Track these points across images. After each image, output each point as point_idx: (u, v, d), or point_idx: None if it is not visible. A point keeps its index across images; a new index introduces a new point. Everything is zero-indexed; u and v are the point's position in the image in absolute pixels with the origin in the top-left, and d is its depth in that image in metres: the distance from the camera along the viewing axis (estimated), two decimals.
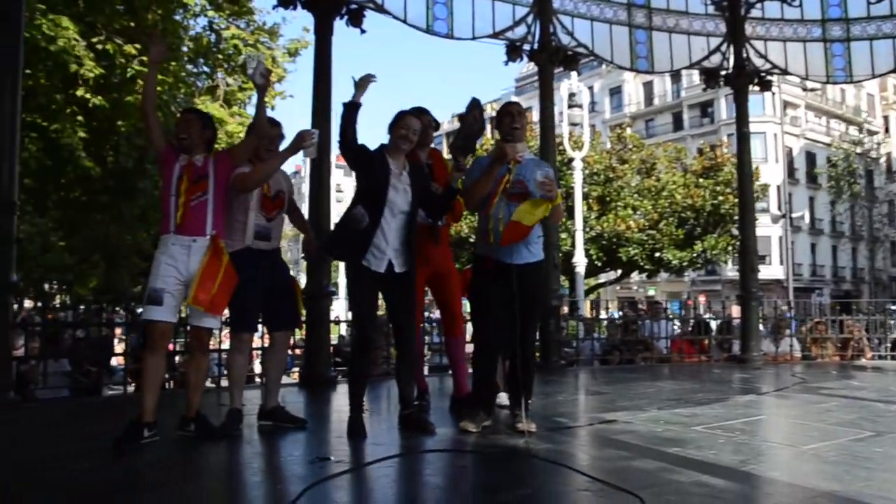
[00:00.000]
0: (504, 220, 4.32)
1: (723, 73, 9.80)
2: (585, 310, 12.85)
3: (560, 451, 3.94)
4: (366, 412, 4.38)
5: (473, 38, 8.18)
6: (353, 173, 4.43)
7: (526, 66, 51.21)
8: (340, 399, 6.09)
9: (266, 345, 5.73)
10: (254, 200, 4.39)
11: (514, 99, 54.95)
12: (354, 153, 4.31)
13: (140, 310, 7.32)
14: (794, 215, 36.38)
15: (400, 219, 4.30)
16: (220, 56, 13.83)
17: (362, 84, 4.37)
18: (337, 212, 5.89)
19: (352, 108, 4.29)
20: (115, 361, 9.35)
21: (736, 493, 3.15)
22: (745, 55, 9.64)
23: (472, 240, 23.82)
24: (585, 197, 21.37)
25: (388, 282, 4.32)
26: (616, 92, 49.05)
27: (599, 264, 23.79)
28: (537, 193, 4.31)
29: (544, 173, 4.42)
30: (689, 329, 10.80)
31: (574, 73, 15.73)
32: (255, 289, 4.37)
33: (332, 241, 4.58)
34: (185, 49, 13.72)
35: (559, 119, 12.76)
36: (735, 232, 22.81)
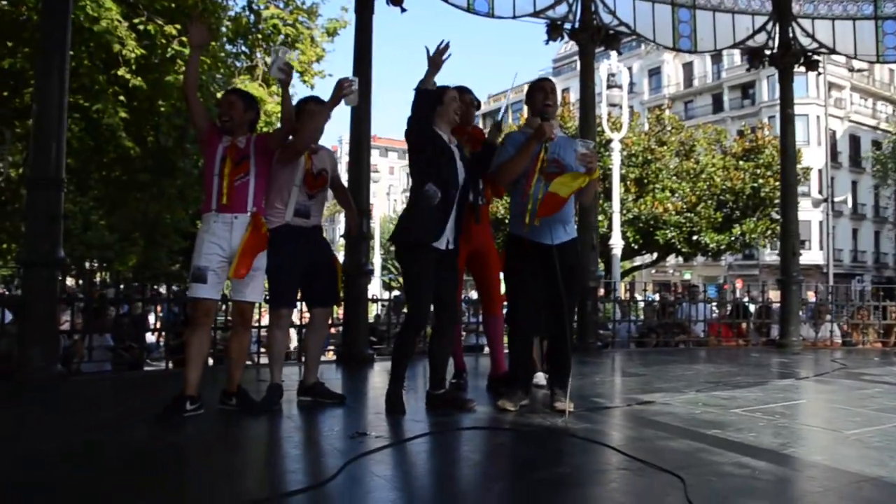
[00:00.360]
0: (541, 200, 4.28)
1: (767, 52, 9.60)
2: (621, 292, 12.78)
3: (598, 430, 3.94)
4: (404, 390, 4.41)
5: (514, 17, 8.11)
6: (408, 153, 4.43)
7: (564, 47, 50.77)
8: (377, 376, 6.18)
9: (305, 322, 5.81)
10: (298, 176, 4.42)
11: (553, 80, 54.51)
12: (425, 134, 4.29)
13: (176, 287, 7.49)
14: (836, 199, 35.69)
15: (456, 195, 4.32)
16: (259, 36, 13.88)
17: (437, 63, 4.35)
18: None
19: (426, 96, 4.28)
20: (151, 338, 9.54)
21: (778, 475, 3.12)
22: (791, 34, 9.43)
23: (507, 221, 23.86)
24: (623, 179, 21.18)
25: (442, 259, 4.32)
26: (655, 73, 48.35)
27: (636, 247, 23.62)
28: (578, 167, 4.28)
29: (585, 145, 4.38)
30: (727, 312, 10.69)
31: (614, 54, 15.58)
32: (293, 265, 4.41)
33: (409, 224, 4.33)
34: (223, 29, 13.81)
35: (598, 100, 12.63)
36: (775, 216, 22.47)
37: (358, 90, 4.36)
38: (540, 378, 5.35)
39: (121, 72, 11.74)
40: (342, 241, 5.13)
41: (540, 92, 4.49)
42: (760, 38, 9.57)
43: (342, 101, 4.37)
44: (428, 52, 4.38)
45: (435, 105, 4.34)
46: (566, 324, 4.44)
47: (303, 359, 5.40)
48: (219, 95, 13.50)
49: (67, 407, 4.79)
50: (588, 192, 4.49)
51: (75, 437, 3.78)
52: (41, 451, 3.44)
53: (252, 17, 13.97)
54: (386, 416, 4.21)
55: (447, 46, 4.38)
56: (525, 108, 5.04)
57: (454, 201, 4.29)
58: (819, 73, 9.91)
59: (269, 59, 13.57)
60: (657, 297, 12.24)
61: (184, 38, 12.20)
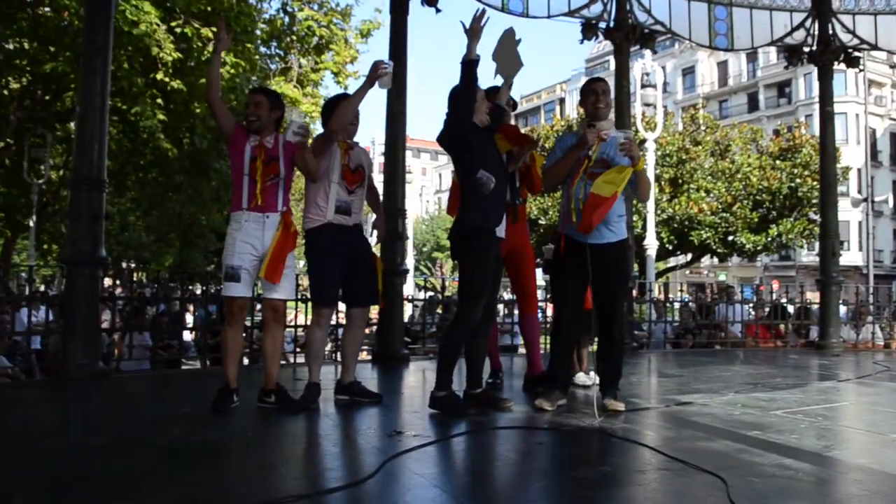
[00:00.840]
0: (583, 200, 4.24)
1: (806, 49, 9.45)
2: (656, 293, 12.67)
3: (636, 430, 3.91)
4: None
5: (549, 17, 8.09)
6: (451, 150, 4.43)
7: (596, 47, 50.47)
8: (412, 376, 6.21)
9: (342, 321, 5.84)
10: (336, 172, 4.44)
11: (585, 80, 54.29)
12: (469, 122, 4.28)
13: (214, 288, 7.58)
14: (876, 199, 35.02)
15: (506, 185, 4.35)
16: (294, 38, 14.02)
17: (475, 31, 4.31)
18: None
19: (472, 66, 4.26)
20: (187, 336, 9.68)
21: (821, 477, 3.08)
22: (830, 30, 9.27)
23: (540, 221, 23.80)
24: (658, 179, 21.01)
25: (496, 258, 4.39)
26: (689, 72, 47.87)
27: (670, 247, 23.39)
28: (622, 160, 4.24)
29: (624, 133, 4.37)
30: (765, 314, 10.54)
31: (648, 53, 15.45)
32: (334, 264, 4.44)
33: (465, 213, 4.30)
34: (258, 32, 13.97)
35: (632, 99, 12.53)
36: (812, 216, 22.11)
37: (392, 74, 4.40)
38: (581, 378, 5.35)
39: (159, 75, 11.93)
40: (374, 240, 5.14)
41: (591, 94, 4.44)
42: (799, 35, 9.42)
43: (376, 84, 4.39)
44: (464, 25, 4.36)
45: (476, 77, 4.34)
46: (611, 325, 4.41)
47: (339, 358, 5.44)
48: None
49: (109, 403, 4.88)
50: (641, 186, 4.43)
51: (118, 431, 3.84)
52: (86, 445, 3.52)
53: (287, 18, 14.12)
54: (425, 416, 4.22)
55: (483, 13, 4.37)
56: (557, 108, 5.04)
57: (505, 190, 4.32)
58: (860, 70, 9.72)
59: (303, 62, 13.72)
60: (690, 298, 12.13)
61: None
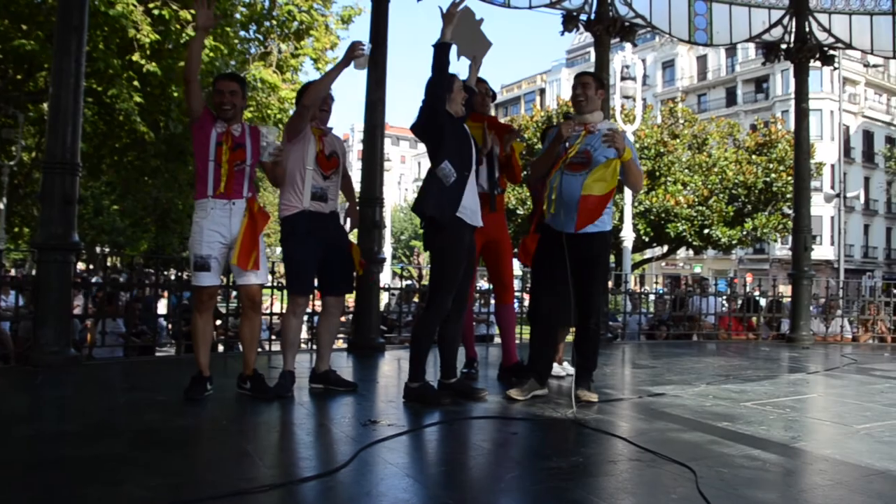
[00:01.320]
0: (558, 189, 4.33)
1: (783, 46, 9.55)
2: (632, 284, 12.77)
3: (609, 421, 3.96)
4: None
5: (530, 7, 8.09)
6: (424, 136, 4.40)
7: (577, 38, 50.61)
8: (388, 364, 6.21)
9: (317, 309, 5.82)
10: (310, 158, 4.42)
11: (565, 71, 54.47)
12: (441, 107, 4.27)
13: (187, 274, 7.51)
14: (848, 195, 35.47)
15: (469, 176, 4.33)
16: (274, 22, 13.90)
17: (450, 15, 4.32)
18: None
19: (444, 50, 4.27)
20: (161, 322, 9.59)
21: (788, 468, 3.14)
22: (807, 28, 9.38)
23: (518, 211, 23.84)
24: None
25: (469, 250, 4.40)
26: (669, 66, 48.14)
27: (647, 239, 23.57)
28: (607, 153, 4.26)
29: (609, 125, 4.42)
30: (738, 306, 10.67)
31: (628, 46, 15.45)
32: (310, 252, 4.43)
33: (431, 202, 4.27)
34: (238, 16, 13.83)
35: (611, 92, 12.57)
36: (787, 210, 22.39)
37: (368, 56, 4.39)
38: (555, 369, 5.38)
39: (135, 57, 11.78)
40: (346, 228, 5.12)
41: (573, 87, 4.58)
42: (776, 32, 9.52)
43: (352, 65, 4.38)
44: (441, 9, 4.36)
45: (448, 93, 4.35)
46: (586, 315, 4.43)
47: (314, 346, 5.43)
48: None
49: (82, 389, 4.83)
50: (630, 176, 4.43)
51: (90, 418, 3.82)
52: (58, 432, 3.50)
53: (267, 2, 13.98)
54: (400, 405, 4.24)
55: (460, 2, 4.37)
56: (537, 98, 5.09)
57: (466, 182, 4.29)
58: (835, 68, 9.84)
59: (283, 47, 13.60)
60: (665, 290, 12.23)
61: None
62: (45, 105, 15.63)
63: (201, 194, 4.22)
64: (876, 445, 3.53)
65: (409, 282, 14.15)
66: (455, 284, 4.29)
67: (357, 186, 5.54)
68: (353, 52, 4.33)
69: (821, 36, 9.50)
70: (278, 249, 4.57)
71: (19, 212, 21.50)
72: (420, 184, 4.61)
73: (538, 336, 4.56)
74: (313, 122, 4.51)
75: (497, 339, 8.10)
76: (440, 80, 4.26)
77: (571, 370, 5.18)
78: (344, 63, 4.39)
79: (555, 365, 5.42)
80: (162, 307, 9.25)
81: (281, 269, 4.92)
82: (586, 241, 4.36)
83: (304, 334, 10.04)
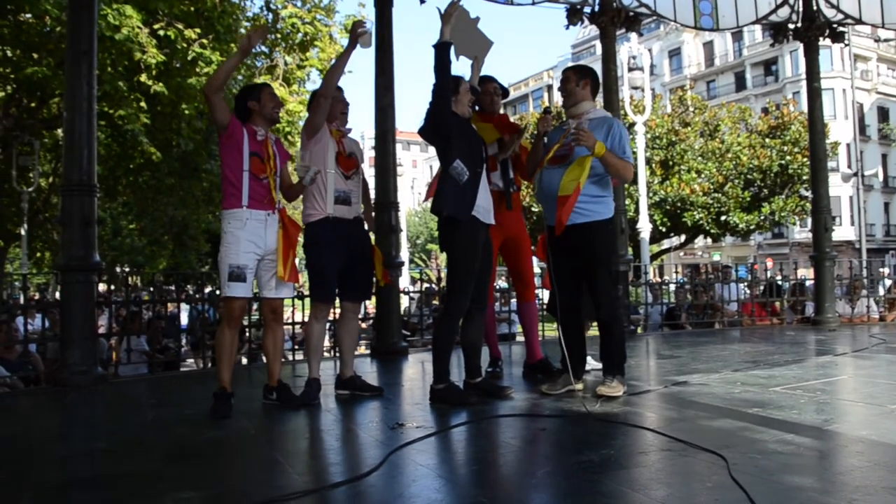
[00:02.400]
0: (539, 184, 4.46)
1: (791, 26, 9.46)
2: (651, 275, 12.70)
3: (638, 413, 3.94)
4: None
5: (533, 3, 8.06)
6: (432, 138, 4.40)
7: (582, 32, 50.47)
8: (412, 368, 6.21)
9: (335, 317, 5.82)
10: (330, 158, 4.44)
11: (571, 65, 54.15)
12: (449, 108, 4.28)
13: (208, 288, 7.57)
14: (866, 174, 35.13)
15: (482, 173, 4.33)
16: (279, 35, 13.96)
17: (448, 15, 4.33)
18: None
19: (445, 50, 4.27)
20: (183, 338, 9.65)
21: (823, 451, 3.10)
22: (815, 6, 9.28)
23: (534, 208, 23.79)
24: (648, 161, 21.04)
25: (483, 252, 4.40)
26: (675, 54, 47.88)
27: (664, 229, 23.43)
28: (582, 151, 4.28)
29: (596, 115, 4.43)
30: (760, 291, 10.58)
31: (634, 36, 15.40)
32: (333, 259, 4.44)
33: (448, 202, 4.26)
34: (242, 31, 13.90)
35: (620, 83, 12.52)
36: (804, 192, 22.18)
37: (371, 33, 4.45)
38: (590, 362, 5.37)
39: (142, 78, 11.86)
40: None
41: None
42: (783, 12, 9.42)
43: (358, 45, 4.39)
44: (440, 10, 4.37)
45: (454, 95, 4.36)
46: (598, 307, 4.40)
47: (336, 353, 5.45)
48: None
49: (111, 407, 4.88)
50: (611, 169, 4.34)
51: (121, 435, 3.85)
52: (91, 450, 3.52)
53: (270, 16, 14.05)
54: (426, 407, 4.24)
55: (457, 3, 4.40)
56: (545, 95, 5.11)
57: (480, 179, 4.29)
58: (845, 45, 9.70)
59: (288, 59, 13.66)
60: (685, 279, 12.17)
61: (204, 41, 12.31)
62: (59, 131, 15.81)
63: (234, 204, 4.15)
64: None
65: (428, 285, 14.15)
66: (471, 283, 4.29)
67: (371, 193, 5.55)
68: (356, 31, 4.36)
69: (829, 13, 9.39)
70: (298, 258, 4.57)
71: (40, 236, 21.74)
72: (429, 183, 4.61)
73: (562, 331, 4.54)
74: (332, 124, 4.53)
75: (520, 338, 8.08)
76: (443, 81, 4.26)
77: (596, 365, 5.16)
78: (351, 45, 4.42)
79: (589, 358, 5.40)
80: (184, 320, 9.32)
81: (300, 278, 4.92)
82: (576, 232, 4.32)
83: (326, 342, 10.09)
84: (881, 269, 13.01)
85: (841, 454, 3.11)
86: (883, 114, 42.53)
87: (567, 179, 4.24)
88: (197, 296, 8.99)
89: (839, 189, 33.65)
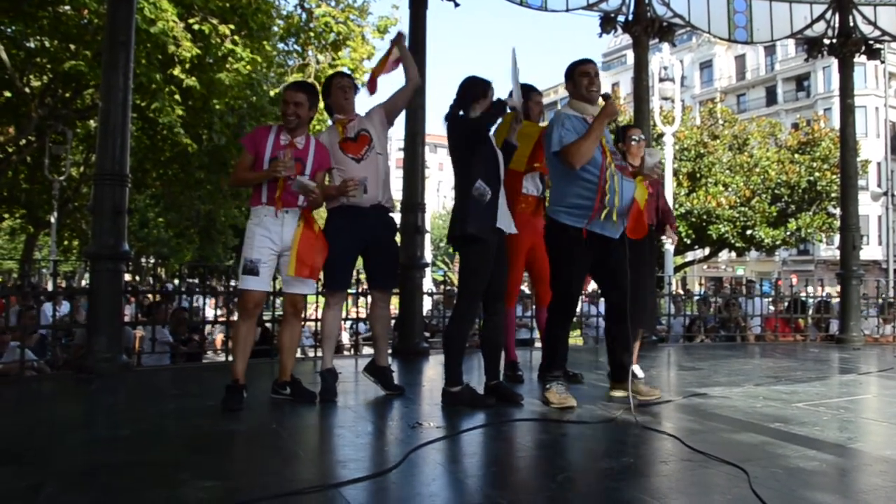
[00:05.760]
0: (620, 193, 4.13)
1: (826, 42, 9.37)
2: (675, 287, 12.62)
3: (658, 422, 3.92)
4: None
5: (567, 10, 8.08)
6: (452, 146, 4.42)
7: (613, 41, 50.28)
8: (432, 369, 6.22)
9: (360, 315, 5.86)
10: (334, 153, 4.52)
11: (602, 74, 54.12)
12: (482, 136, 4.33)
13: (234, 282, 7.62)
14: (895, 193, 34.63)
15: (499, 189, 4.35)
16: (312, 34, 14.07)
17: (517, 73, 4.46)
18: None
19: (501, 109, 4.32)
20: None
21: (846, 469, 3.08)
22: (851, 22, 9.19)
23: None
24: (676, 173, 20.89)
25: (497, 251, 4.39)
26: (706, 66, 47.52)
27: (689, 241, 23.25)
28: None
29: (653, 154, 4.35)
30: (784, 307, 10.48)
31: (665, 47, 15.34)
32: (344, 247, 4.47)
33: (463, 217, 4.25)
34: (275, 28, 14.04)
35: (650, 94, 12.48)
36: (832, 210, 21.91)
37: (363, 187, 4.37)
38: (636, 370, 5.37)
39: (176, 71, 12.01)
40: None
41: (584, 77, 4.32)
42: (819, 27, 9.35)
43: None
44: (514, 62, 4.46)
45: (479, 99, 4.40)
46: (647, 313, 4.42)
47: (358, 349, 5.47)
48: (272, 94, 13.80)
49: (134, 396, 4.94)
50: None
51: (144, 423, 3.89)
52: (115, 436, 3.57)
53: (304, 15, 14.17)
54: (446, 408, 4.25)
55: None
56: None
57: (499, 196, 4.32)
58: (881, 62, 9.61)
59: (321, 58, 13.76)
60: (710, 292, 12.07)
61: (236, 38, 12.44)
62: (92, 122, 16.04)
63: (256, 201, 4.26)
64: None
65: (450, 287, 14.16)
66: (482, 290, 4.32)
67: (398, 195, 5.58)
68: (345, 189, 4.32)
69: (866, 29, 9.30)
70: None
71: (69, 225, 22.04)
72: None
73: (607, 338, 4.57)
74: (336, 116, 4.62)
75: (538, 344, 8.06)
76: (488, 122, 4.33)
77: (639, 373, 5.19)
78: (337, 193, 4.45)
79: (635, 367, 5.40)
80: (210, 315, 9.40)
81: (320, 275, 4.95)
82: (635, 241, 4.35)
83: (346, 339, 10.13)
84: None
85: (864, 473, 3.07)
86: None
87: (640, 192, 4.26)
88: (220, 288, 9.07)
89: (868, 208, 33.21)
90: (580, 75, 4.31)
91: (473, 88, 4.40)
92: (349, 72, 14.66)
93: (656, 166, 4.28)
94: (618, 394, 4.52)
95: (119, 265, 5.65)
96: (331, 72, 14.76)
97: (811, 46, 9.53)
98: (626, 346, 4.49)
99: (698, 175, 22.73)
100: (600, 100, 4.29)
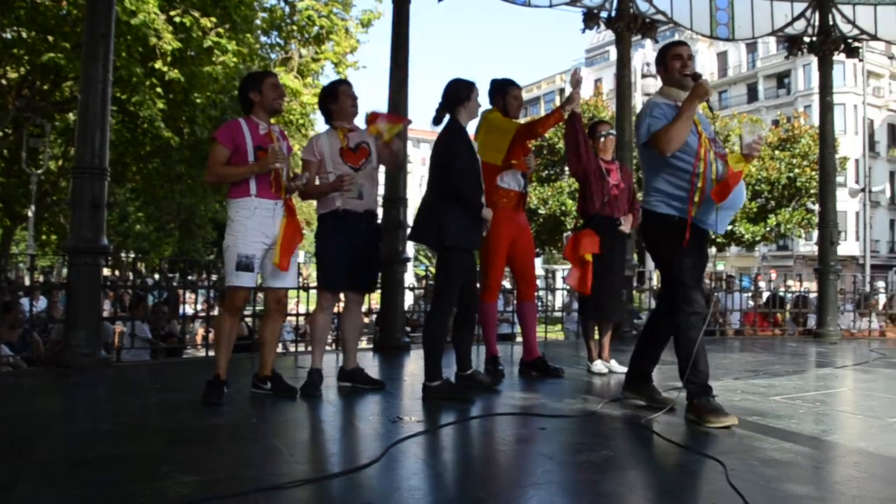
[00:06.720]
0: (719, 179, 3.84)
1: (806, 39, 9.46)
2: (655, 281, 12.70)
3: (637, 416, 3.95)
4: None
5: (551, 6, 8.09)
6: (437, 155, 4.45)
7: (596, 37, 50.42)
8: (413, 363, 6.23)
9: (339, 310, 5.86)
10: (328, 163, 4.50)
11: (585, 70, 54.30)
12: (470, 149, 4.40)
13: (214, 276, 7.59)
14: (873, 190, 35.07)
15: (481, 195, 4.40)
16: (294, 27, 14.00)
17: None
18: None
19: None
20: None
21: (821, 461, 3.12)
22: (831, 20, 9.29)
23: (540, 210, 23.81)
24: None
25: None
26: None
27: None
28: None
29: (752, 129, 4.18)
30: (763, 302, 10.59)
31: (648, 43, 15.43)
32: (339, 250, 4.48)
33: (455, 227, 4.28)
34: (258, 22, 13.95)
35: (633, 90, 12.55)
36: (811, 206, 22.17)
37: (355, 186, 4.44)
38: (598, 366, 5.41)
39: (157, 64, 11.91)
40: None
41: (677, 60, 3.98)
42: (799, 25, 9.43)
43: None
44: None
45: (461, 102, 4.42)
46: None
47: (339, 347, 5.48)
48: None
49: (114, 390, 4.91)
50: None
51: (124, 417, 3.87)
52: (94, 430, 3.55)
53: (287, 8, 14.10)
54: (427, 402, 4.26)
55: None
56: (556, 98, 5.09)
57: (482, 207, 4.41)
58: (860, 60, 9.71)
59: (304, 51, 13.71)
60: None
61: (220, 30, 12.35)
62: (70, 115, 15.87)
63: (242, 193, 4.15)
64: None
65: (432, 283, 14.20)
66: (458, 286, 4.36)
67: (380, 188, 5.58)
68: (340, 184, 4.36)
69: (845, 28, 9.40)
70: (301, 252, 4.57)
71: (47, 219, 21.82)
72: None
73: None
74: (338, 123, 4.57)
75: (519, 339, 8.10)
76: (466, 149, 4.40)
77: (618, 368, 5.32)
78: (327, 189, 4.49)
79: (598, 362, 5.44)
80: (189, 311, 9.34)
81: (305, 270, 4.95)
82: (704, 234, 4.06)
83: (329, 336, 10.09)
84: (876, 284, 13.06)
85: (838, 464, 3.12)
86: (893, 131, 42.42)
87: (732, 158, 3.94)
88: (202, 283, 9.03)
89: (846, 204, 33.61)
90: (672, 58, 4.00)
91: (457, 93, 4.43)
92: (332, 65, 14.63)
93: (756, 142, 3.95)
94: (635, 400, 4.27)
95: (98, 259, 5.60)
96: (314, 66, 14.75)
97: (791, 44, 9.61)
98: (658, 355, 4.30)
99: None
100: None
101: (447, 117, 4.46)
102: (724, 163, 3.92)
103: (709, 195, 3.81)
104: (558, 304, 13.30)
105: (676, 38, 44.67)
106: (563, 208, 23.53)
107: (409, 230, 4.96)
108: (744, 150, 3.93)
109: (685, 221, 3.85)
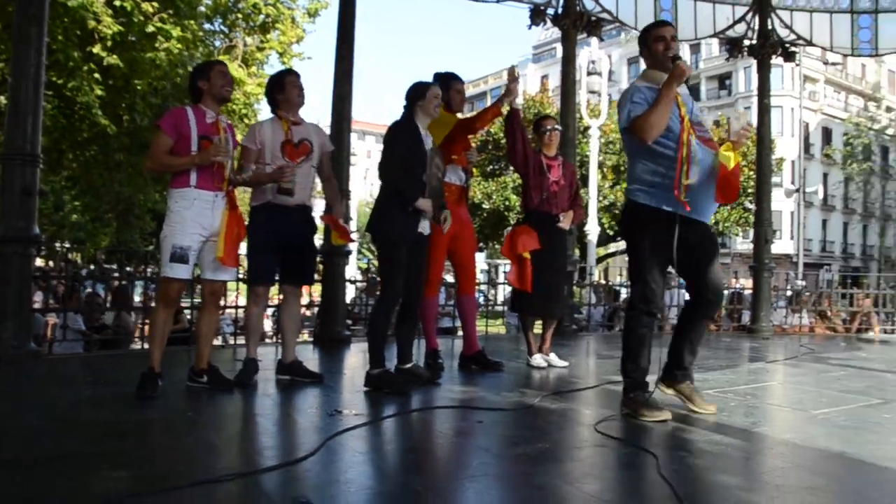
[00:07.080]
0: (701, 168, 3.67)
1: (746, 42, 9.71)
2: (597, 277, 12.90)
3: (574, 409, 4.02)
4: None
5: (498, 1, 8.12)
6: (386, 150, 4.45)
7: (544, 33, 50.80)
8: (353, 356, 6.21)
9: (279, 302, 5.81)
10: (268, 154, 4.46)
11: (532, 66, 54.70)
12: (420, 149, 4.41)
13: (151, 268, 7.44)
14: (807, 190, 36.17)
15: (430, 182, 4.38)
16: (240, 15, 13.75)
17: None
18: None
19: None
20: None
21: (748, 452, 3.21)
22: (770, 25, 9.54)
23: (484, 205, 23.94)
24: (600, 166, 21.31)
25: (414, 244, 4.43)
26: (634, 62, 48.41)
27: (611, 233, 23.78)
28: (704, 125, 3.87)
29: (738, 117, 4.24)
30: None
31: (594, 41, 15.65)
32: (270, 244, 4.45)
33: (387, 221, 4.35)
34: (202, 8, 13.65)
35: (577, 87, 12.70)
36: (748, 205, 22.74)
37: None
38: (538, 360, 5.46)
39: (96, 49, 11.56)
40: (320, 222, 5.18)
41: (659, 42, 3.80)
42: (740, 28, 9.68)
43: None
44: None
45: (417, 100, 4.42)
46: (720, 301, 4.13)
47: (279, 339, 5.43)
48: None
49: (44, 384, 4.76)
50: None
51: (54, 412, 3.77)
52: (22, 426, 3.44)
53: None
54: (366, 395, 4.25)
55: None
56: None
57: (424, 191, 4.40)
58: (797, 65, 10.02)
59: (248, 40, 13.49)
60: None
61: (163, 15, 12.05)
62: (1, 97, 15.30)
63: (182, 183, 4.07)
64: (833, 430, 3.63)
65: (373, 276, 14.14)
66: (402, 277, 4.36)
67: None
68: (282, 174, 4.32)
69: (783, 32, 9.67)
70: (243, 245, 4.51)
71: None
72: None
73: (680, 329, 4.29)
74: (283, 113, 4.52)
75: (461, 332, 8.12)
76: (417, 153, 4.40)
77: (558, 362, 5.44)
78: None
79: (538, 356, 5.49)
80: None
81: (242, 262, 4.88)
82: (706, 226, 3.93)
83: (268, 327, 10.00)
84: (797, 282, 13.57)
85: (766, 455, 3.22)
86: (827, 134, 43.89)
87: (723, 151, 3.68)
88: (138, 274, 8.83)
89: (781, 204, 34.60)
90: (655, 40, 3.81)
91: (413, 92, 4.47)
92: (277, 55, 14.42)
93: (744, 129, 3.88)
94: (669, 391, 4.15)
95: (28, 249, 5.44)
96: (259, 55, 14.52)
97: (732, 46, 9.85)
98: (696, 347, 4.21)
99: (622, 168, 23.24)
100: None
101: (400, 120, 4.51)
102: (710, 148, 3.75)
103: (695, 185, 3.65)
104: (500, 298, 13.40)
105: (623, 38, 45.11)
106: (507, 203, 23.71)
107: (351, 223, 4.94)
108: (731, 137, 3.78)
109: (663, 212, 3.72)
